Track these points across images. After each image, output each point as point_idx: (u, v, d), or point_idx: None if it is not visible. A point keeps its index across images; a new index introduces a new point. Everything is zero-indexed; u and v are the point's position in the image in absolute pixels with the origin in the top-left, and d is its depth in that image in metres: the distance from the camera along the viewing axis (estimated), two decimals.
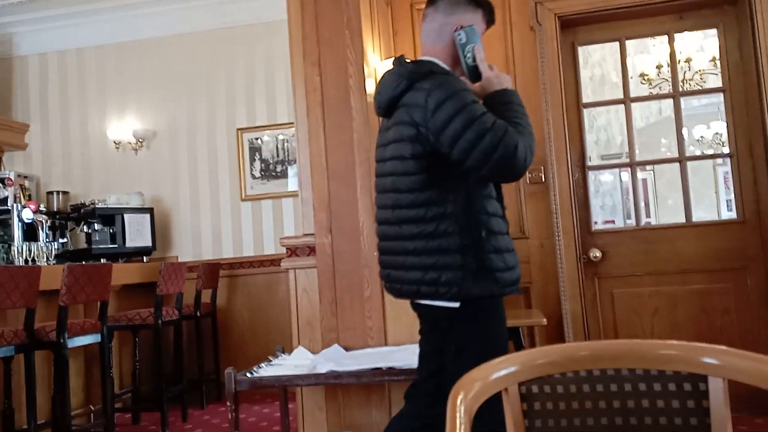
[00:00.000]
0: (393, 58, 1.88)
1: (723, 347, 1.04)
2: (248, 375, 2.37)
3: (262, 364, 2.56)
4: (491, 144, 1.64)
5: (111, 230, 5.07)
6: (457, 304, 1.74)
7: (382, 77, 1.87)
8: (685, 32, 3.98)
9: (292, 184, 5.23)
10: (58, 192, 5.50)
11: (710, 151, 7.36)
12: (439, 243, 1.72)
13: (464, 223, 1.72)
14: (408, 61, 1.86)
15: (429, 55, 1.85)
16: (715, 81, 4.31)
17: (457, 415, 1.01)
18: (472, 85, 1.82)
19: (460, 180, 1.74)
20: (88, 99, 5.71)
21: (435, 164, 1.73)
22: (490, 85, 1.81)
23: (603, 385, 1.12)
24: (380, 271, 1.95)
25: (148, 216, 5.23)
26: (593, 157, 6.28)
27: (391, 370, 2.30)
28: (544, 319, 2.81)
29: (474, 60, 1.80)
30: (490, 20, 1.90)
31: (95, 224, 5.02)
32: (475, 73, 1.82)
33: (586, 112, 3.78)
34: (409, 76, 1.76)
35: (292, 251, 2.91)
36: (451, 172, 1.73)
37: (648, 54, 5.33)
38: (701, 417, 1.05)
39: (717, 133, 7.38)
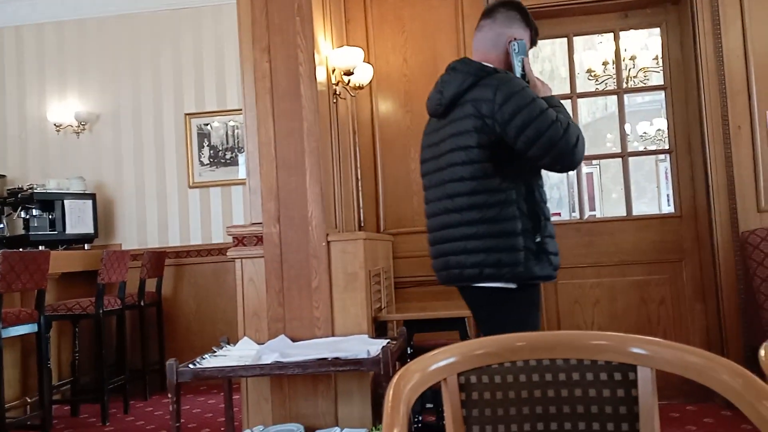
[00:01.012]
0: (454, 61, 2.03)
1: (651, 338, 1.08)
2: (191, 366, 2.33)
3: (206, 355, 2.52)
4: (556, 134, 1.80)
5: (50, 216, 4.89)
6: (514, 285, 1.87)
7: (444, 77, 2.01)
8: (630, 30, 4.09)
9: (242, 171, 5.14)
10: None
11: (653, 147, 7.61)
12: (502, 227, 1.85)
13: (524, 209, 1.88)
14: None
15: (483, 60, 2.00)
16: (658, 79, 4.44)
17: (395, 405, 1.01)
18: None
19: (520, 169, 1.90)
20: (27, 79, 5.47)
21: (498, 154, 1.87)
22: (537, 92, 1.95)
23: (539, 375, 1.15)
24: (435, 262, 2.02)
25: (90, 202, 5.05)
26: None
27: (336, 360, 2.30)
28: None
29: (523, 69, 1.99)
30: (533, 42, 2.08)
31: (33, 210, 4.82)
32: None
33: None
34: (476, 72, 1.92)
35: (239, 240, 2.87)
36: (511, 162, 1.89)
37: (595, 50, 5.46)
38: (630, 405, 1.09)
39: (659, 130, 7.64)
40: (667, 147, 3.76)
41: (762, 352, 1.01)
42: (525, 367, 1.15)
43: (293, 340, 2.71)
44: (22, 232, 4.89)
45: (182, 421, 2.71)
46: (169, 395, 2.27)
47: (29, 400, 3.95)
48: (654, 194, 8.82)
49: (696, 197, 3.62)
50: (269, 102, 2.83)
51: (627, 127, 3.84)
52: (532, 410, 1.14)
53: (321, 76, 3.03)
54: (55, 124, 5.33)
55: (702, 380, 1.00)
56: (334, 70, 3.39)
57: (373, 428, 2.55)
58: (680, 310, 3.60)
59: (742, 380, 0.93)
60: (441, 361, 1.15)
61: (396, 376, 1.08)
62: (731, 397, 0.94)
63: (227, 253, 2.90)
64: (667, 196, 8.03)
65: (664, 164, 8.06)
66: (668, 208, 7.57)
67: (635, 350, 1.07)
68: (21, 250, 4.09)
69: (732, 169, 3.42)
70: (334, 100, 3.39)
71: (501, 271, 1.85)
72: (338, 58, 3.34)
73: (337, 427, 2.64)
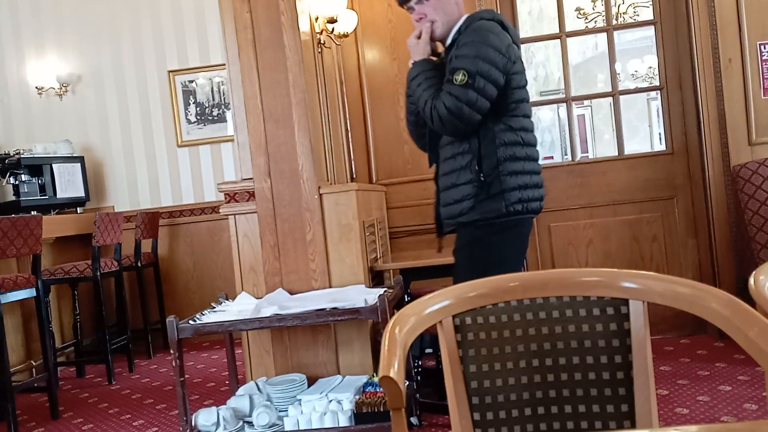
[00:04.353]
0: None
1: (642, 272, 1.09)
2: (191, 322, 2.35)
3: (205, 311, 2.55)
4: None
5: (40, 181, 4.84)
6: None
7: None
8: None
9: (230, 128, 5.07)
10: None
11: (645, 85, 7.53)
12: None
13: None
14: None
15: None
16: (648, 14, 4.36)
17: (391, 348, 1.02)
18: None
19: None
20: (3, 41, 5.33)
21: None
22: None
23: (532, 313, 1.16)
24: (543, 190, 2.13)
25: (78, 165, 5.00)
26: (532, 94, 6.33)
27: (334, 311, 2.32)
28: None
29: None
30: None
31: (22, 175, 4.77)
32: None
33: (524, 47, 3.76)
34: None
35: (231, 197, 2.85)
36: None
37: None
38: (622, 338, 1.11)
39: (650, 67, 7.55)
40: (657, 84, 3.72)
41: (752, 281, 1.02)
42: (518, 306, 1.17)
43: (291, 293, 2.73)
44: (13, 198, 4.85)
45: (187, 376, 2.76)
46: (172, 351, 2.30)
47: (34, 364, 4.01)
48: (646, 133, 8.79)
49: (687, 133, 3.61)
50: (252, 54, 2.77)
51: (618, 66, 3.79)
52: (527, 347, 1.16)
53: (304, 25, 2.96)
54: (36, 87, 5.22)
55: (692, 310, 1.02)
56: (317, 19, 3.31)
57: (374, 374, 2.61)
58: (673, 246, 3.64)
59: (731, 306, 0.94)
60: (435, 305, 1.16)
61: (392, 321, 1.09)
62: (721, 324, 0.96)
63: (220, 210, 2.89)
64: (659, 134, 8.01)
65: (656, 102, 8.01)
66: (660, 146, 7.56)
67: (626, 284, 1.09)
68: (12, 216, 4.06)
69: (723, 103, 3.40)
70: (319, 50, 3.32)
71: None
72: (321, 5, 3.26)
73: (338, 375, 2.70)
